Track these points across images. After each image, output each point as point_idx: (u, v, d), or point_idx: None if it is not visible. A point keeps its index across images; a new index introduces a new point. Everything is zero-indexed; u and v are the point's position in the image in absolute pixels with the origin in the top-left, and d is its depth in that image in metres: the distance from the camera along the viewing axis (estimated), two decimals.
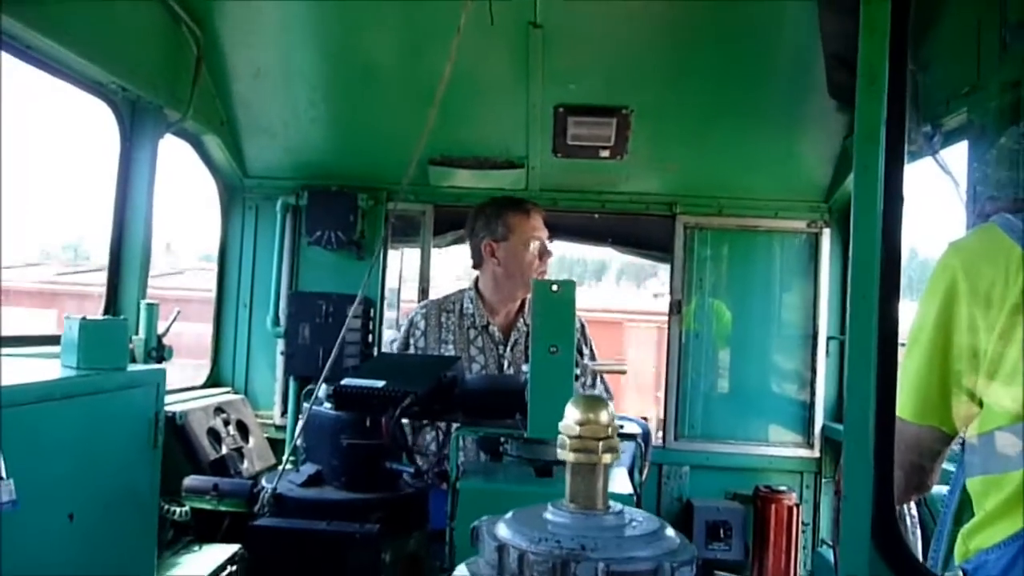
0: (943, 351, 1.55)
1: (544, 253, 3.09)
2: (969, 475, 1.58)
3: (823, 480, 3.92)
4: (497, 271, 3.08)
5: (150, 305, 3.02)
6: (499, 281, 3.10)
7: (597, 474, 0.88)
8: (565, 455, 0.89)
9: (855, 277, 1.33)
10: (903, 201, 1.31)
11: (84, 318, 2.06)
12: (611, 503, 0.89)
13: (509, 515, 0.89)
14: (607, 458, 0.88)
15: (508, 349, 3.07)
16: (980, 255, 1.56)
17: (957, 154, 2.70)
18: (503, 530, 0.86)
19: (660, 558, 0.81)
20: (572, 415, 0.89)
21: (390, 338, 3.21)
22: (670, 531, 0.87)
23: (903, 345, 1.59)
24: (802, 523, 3.80)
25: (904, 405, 1.56)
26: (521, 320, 3.12)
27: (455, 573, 0.88)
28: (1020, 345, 1.44)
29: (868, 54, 1.26)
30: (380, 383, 2.17)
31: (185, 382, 3.78)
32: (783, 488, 3.78)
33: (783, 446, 3.95)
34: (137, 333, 2.97)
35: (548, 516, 0.88)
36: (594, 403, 0.89)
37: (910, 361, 1.59)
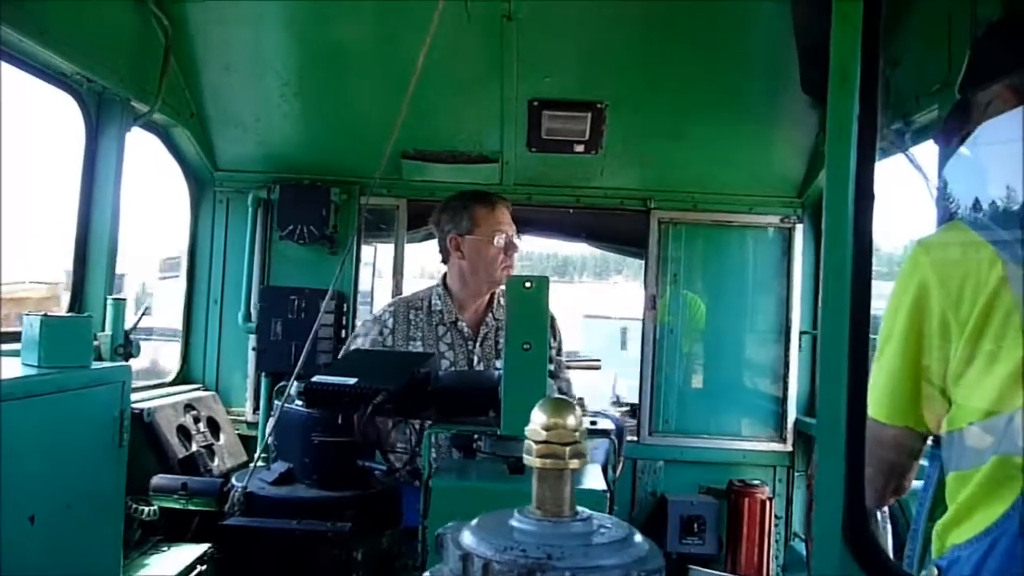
0: (915, 350, 1.55)
1: (510, 247, 3.03)
2: (946, 471, 1.58)
3: (796, 474, 3.95)
4: (463, 265, 3.04)
5: (117, 301, 2.96)
6: (465, 276, 3.05)
7: (564, 480, 0.86)
8: (531, 461, 0.87)
9: (827, 274, 1.32)
10: (874, 199, 1.31)
11: (45, 315, 2.00)
12: (579, 509, 0.88)
13: (474, 522, 0.87)
14: (574, 463, 0.86)
15: (478, 345, 3.03)
16: (949, 253, 1.57)
17: (928, 151, 2.73)
18: (468, 538, 0.84)
19: (628, 566, 0.80)
20: (538, 419, 0.87)
21: (363, 332, 3.15)
22: (638, 537, 0.86)
23: (874, 336, 1.59)
24: (775, 516, 3.83)
25: (878, 406, 1.55)
26: (490, 315, 3.08)
27: None
28: (990, 342, 1.45)
29: (840, 51, 1.25)
30: (352, 380, 2.14)
31: None
32: (756, 482, 3.81)
33: (756, 440, 3.98)
34: (104, 330, 2.92)
35: (514, 523, 0.86)
36: (560, 406, 0.87)
37: (882, 361, 1.59)
